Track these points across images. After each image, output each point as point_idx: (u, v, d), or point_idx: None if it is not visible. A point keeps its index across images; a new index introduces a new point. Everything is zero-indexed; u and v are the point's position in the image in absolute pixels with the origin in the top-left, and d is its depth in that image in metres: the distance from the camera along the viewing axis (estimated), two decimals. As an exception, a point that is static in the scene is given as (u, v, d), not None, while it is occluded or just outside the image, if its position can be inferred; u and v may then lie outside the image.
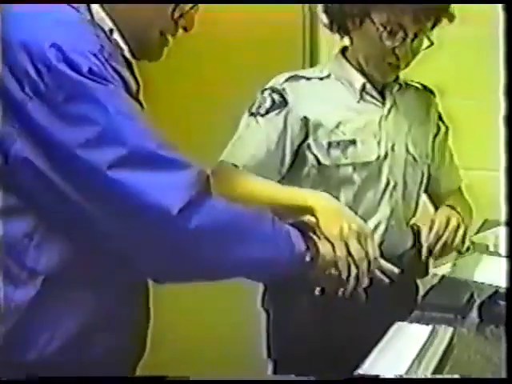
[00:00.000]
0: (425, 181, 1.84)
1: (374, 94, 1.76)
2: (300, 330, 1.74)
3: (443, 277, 1.66)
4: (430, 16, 1.66)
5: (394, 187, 1.75)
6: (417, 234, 1.78)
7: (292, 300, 1.72)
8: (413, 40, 1.66)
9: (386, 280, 1.38)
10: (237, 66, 2.57)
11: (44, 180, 1.14)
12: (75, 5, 1.25)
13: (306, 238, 1.32)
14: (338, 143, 1.70)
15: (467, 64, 2.35)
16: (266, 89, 1.74)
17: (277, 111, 1.70)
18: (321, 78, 1.76)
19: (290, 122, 1.70)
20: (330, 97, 1.74)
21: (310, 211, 1.44)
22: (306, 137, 1.71)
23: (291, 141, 1.70)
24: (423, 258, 1.67)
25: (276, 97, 1.71)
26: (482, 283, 1.58)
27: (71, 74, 1.13)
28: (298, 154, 1.73)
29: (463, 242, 1.72)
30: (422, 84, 1.88)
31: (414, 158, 1.78)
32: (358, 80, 1.75)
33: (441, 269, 1.71)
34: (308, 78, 1.75)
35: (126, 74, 1.23)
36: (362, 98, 1.75)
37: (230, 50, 2.56)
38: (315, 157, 1.71)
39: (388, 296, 1.44)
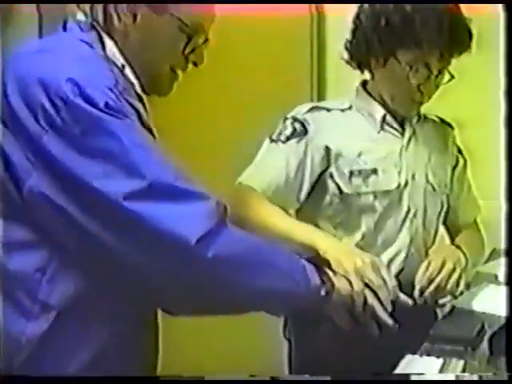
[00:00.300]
0: (444, 210, 1.85)
1: (394, 124, 1.79)
2: (321, 357, 1.73)
3: (453, 307, 1.65)
4: (456, 53, 1.70)
5: (415, 215, 1.77)
6: None
7: (312, 329, 1.71)
8: (437, 76, 1.70)
9: (390, 322, 1.37)
10: (245, 91, 2.58)
11: (60, 212, 1.15)
12: (88, 40, 1.28)
13: (321, 273, 1.33)
14: (360, 172, 1.72)
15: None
16: (287, 118, 1.77)
17: (297, 139, 1.73)
18: (342, 110, 1.80)
19: (310, 150, 1.72)
20: (351, 127, 1.78)
21: (320, 252, 1.47)
22: (328, 166, 1.74)
23: (311, 169, 1.73)
24: (416, 299, 1.64)
25: (297, 125, 1.74)
26: (493, 314, 1.58)
27: (88, 108, 1.15)
28: (319, 183, 1.75)
29: (457, 285, 1.71)
30: (439, 117, 1.91)
31: (433, 187, 1.80)
32: (379, 112, 1.78)
33: (451, 299, 1.70)
34: (329, 110, 1.79)
35: (140, 107, 1.25)
36: (382, 128, 1.78)
37: (238, 75, 2.57)
38: (337, 185, 1.73)
39: (407, 323, 1.43)
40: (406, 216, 1.76)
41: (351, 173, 1.72)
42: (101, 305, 1.21)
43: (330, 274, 1.35)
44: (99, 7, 1.32)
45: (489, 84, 2.04)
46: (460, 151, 1.91)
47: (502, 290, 1.71)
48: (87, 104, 1.15)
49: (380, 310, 1.35)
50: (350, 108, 1.80)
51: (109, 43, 1.30)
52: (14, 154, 1.17)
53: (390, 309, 1.36)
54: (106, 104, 1.16)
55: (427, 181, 1.79)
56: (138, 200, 1.14)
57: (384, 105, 1.78)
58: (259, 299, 1.26)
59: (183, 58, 1.36)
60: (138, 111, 1.23)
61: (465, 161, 1.91)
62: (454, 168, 1.88)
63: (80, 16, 1.35)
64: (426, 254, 1.78)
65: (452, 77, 1.73)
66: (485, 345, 1.45)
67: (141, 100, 1.31)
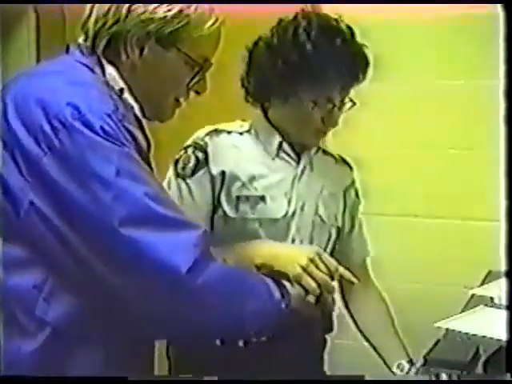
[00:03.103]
0: (331, 242, 1.84)
1: (291, 153, 1.78)
2: None
3: (447, 331, 1.64)
4: (355, 83, 1.72)
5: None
6: None
7: None
8: (340, 107, 1.72)
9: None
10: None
11: (55, 232, 1.17)
12: (89, 64, 1.29)
13: (280, 287, 1.38)
14: (248, 198, 1.71)
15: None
16: (189, 145, 1.74)
17: (203, 170, 1.70)
18: (240, 133, 1.78)
19: (213, 176, 1.71)
20: (246, 152, 1.76)
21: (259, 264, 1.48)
22: (220, 189, 1.72)
23: (216, 194, 1.72)
24: None
25: (199, 154, 1.71)
26: (488, 337, 1.56)
27: (86, 132, 1.16)
28: None
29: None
30: (340, 156, 1.92)
31: (322, 220, 1.80)
32: (276, 138, 1.77)
33: (446, 322, 1.68)
34: (229, 132, 1.77)
35: (138, 134, 1.26)
36: (277, 155, 1.77)
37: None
38: (223, 209, 1.72)
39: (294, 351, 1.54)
40: None
41: (238, 198, 1.71)
42: (94, 328, 1.21)
43: (287, 285, 1.40)
44: (105, 35, 1.32)
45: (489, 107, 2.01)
46: (357, 194, 1.91)
47: (498, 312, 1.70)
48: (85, 128, 1.16)
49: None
50: (249, 131, 1.79)
51: (108, 68, 1.31)
52: (11, 174, 1.18)
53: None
54: (103, 129, 1.17)
55: (316, 212, 1.78)
56: (130, 227, 1.15)
57: (281, 131, 1.77)
58: (245, 324, 1.30)
59: (187, 89, 1.38)
60: (135, 139, 1.24)
61: (358, 203, 1.91)
62: (345, 205, 1.87)
63: (81, 39, 1.35)
64: None
65: (354, 103, 1.74)
66: (479, 369, 1.44)
67: (140, 125, 1.32)
